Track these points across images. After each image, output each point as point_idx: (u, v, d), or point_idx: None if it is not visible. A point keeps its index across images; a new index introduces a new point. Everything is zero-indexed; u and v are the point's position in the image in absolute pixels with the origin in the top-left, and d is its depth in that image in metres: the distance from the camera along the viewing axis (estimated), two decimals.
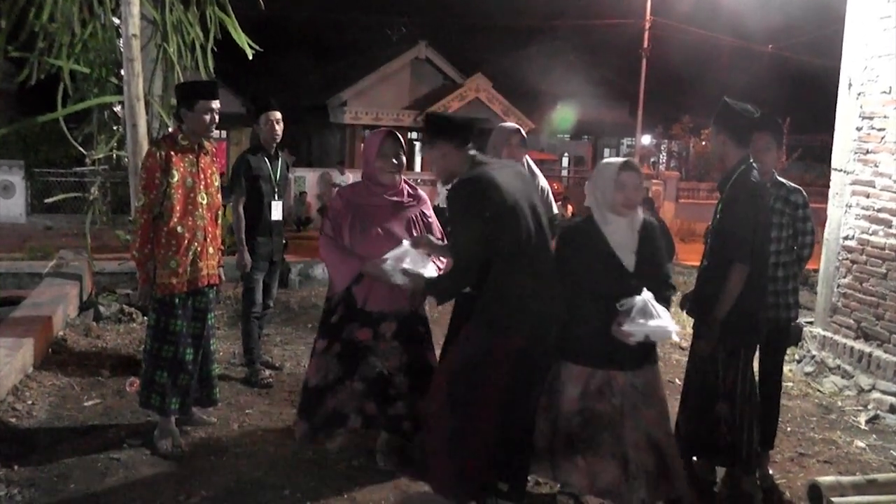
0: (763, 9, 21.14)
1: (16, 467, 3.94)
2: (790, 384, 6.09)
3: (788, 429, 5.12)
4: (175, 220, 4.17)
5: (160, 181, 4.12)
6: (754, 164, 3.91)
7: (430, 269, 3.72)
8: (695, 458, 4.23)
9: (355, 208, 4.05)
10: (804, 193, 4.40)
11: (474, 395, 3.37)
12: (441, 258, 3.92)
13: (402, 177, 4.16)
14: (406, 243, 3.74)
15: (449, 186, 3.56)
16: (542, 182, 4.73)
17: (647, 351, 3.48)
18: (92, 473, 3.95)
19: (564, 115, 26.99)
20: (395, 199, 4.09)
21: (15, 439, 4.28)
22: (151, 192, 4.12)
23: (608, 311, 3.37)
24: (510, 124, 4.87)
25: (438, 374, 3.71)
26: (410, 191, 4.18)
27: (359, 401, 4.00)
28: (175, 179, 4.14)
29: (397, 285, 3.72)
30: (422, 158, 27.43)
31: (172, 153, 4.16)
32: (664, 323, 3.28)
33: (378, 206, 4.05)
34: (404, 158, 4.13)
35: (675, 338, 3.44)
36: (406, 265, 3.65)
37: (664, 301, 3.44)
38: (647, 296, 3.30)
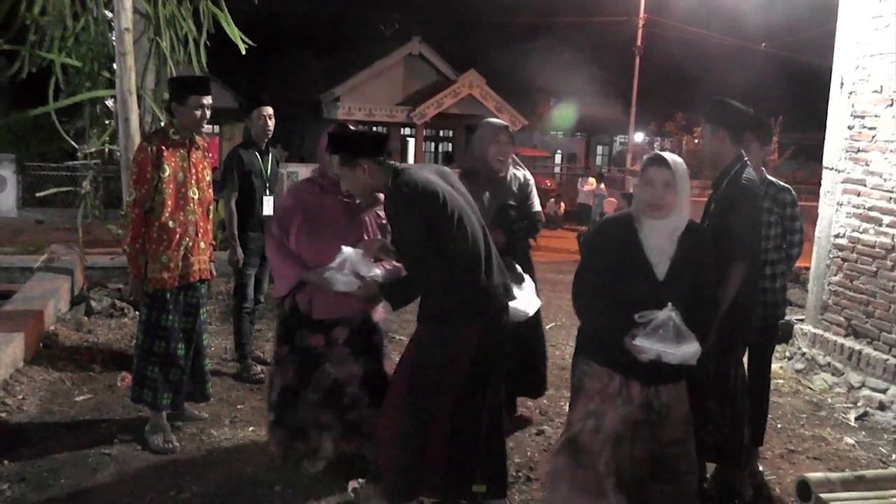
0: (757, 8, 21.14)
1: (5, 462, 3.92)
2: (781, 381, 6.11)
3: (779, 425, 5.14)
4: (166, 214, 4.16)
5: (151, 176, 4.11)
6: (748, 163, 3.91)
7: (376, 274, 3.49)
8: None
9: (306, 208, 3.80)
10: (793, 192, 4.40)
11: (432, 395, 3.34)
12: (393, 263, 3.70)
13: None
14: (347, 250, 3.47)
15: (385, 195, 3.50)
16: (525, 174, 4.73)
17: (671, 367, 3.08)
18: (83, 469, 3.94)
19: (564, 113, 26.99)
20: (348, 199, 3.79)
21: (5, 434, 4.27)
22: (143, 186, 4.10)
23: (629, 318, 3.06)
24: (498, 121, 4.75)
25: (395, 376, 3.59)
26: None
27: (315, 412, 3.83)
28: (166, 174, 4.13)
29: (345, 293, 3.52)
30: (414, 154, 27.42)
31: (164, 148, 4.15)
32: (682, 350, 2.96)
33: (330, 207, 3.81)
34: None
35: (689, 357, 3.00)
36: (346, 273, 3.45)
37: (699, 325, 3.09)
38: (671, 313, 2.97)
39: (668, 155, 3.15)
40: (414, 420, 3.34)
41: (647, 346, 2.97)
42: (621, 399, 3.18)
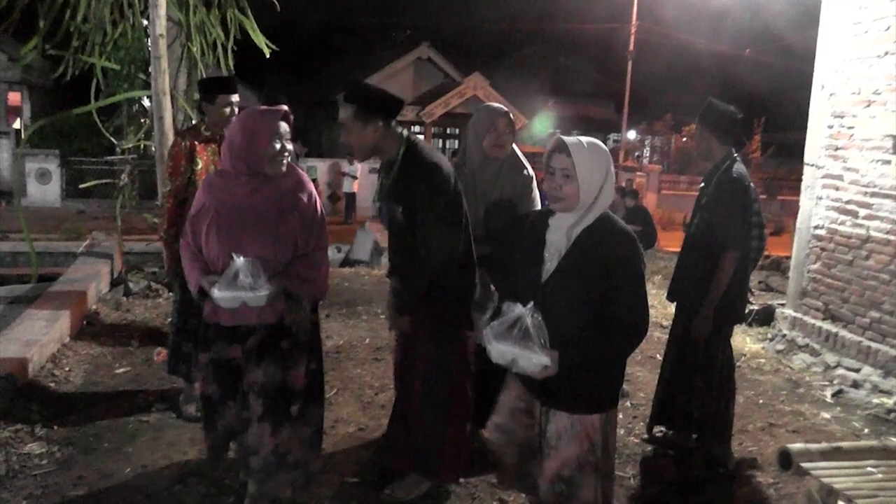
0: (742, 15, 21.04)
1: (55, 427, 3.96)
2: (762, 360, 6.11)
3: (760, 401, 5.14)
4: None
5: (185, 169, 4.12)
6: (737, 158, 3.90)
7: (265, 289, 2.79)
8: (664, 430, 4.29)
9: (219, 204, 2.95)
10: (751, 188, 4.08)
11: (451, 388, 3.25)
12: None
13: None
14: (238, 260, 2.77)
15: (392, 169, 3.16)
16: (528, 171, 3.80)
17: (567, 390, 2.50)
18: (123, 434, 3.97)
19: (542, 120, 26.90)
20: (269, 191, 2.97)
21: (54, 402, 4.30)
22: (177, 178, 4.12)
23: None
24: (497, 105, 3.87)
25: (414, 380, 3.32)
26: (290, 179, 3.05)
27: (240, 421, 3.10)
28: (199, 167, 4.13)
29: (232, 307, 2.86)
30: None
31: (196, 143, 4.16)
32: (529, 358, 2.35)
33: (245, 200, 2.95)
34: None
35: (538, 370, 2.36)
36: (238, 285, 2.78)
37: (586, 346, 2.42)
38: (526, 313, 2.35)
39: (571, 140, 2.47)
40: (440, 413, 3.26)
41: (497, 346, 2.37)
42: (527, 418, 2.69)
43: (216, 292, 2.80)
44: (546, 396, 2.58)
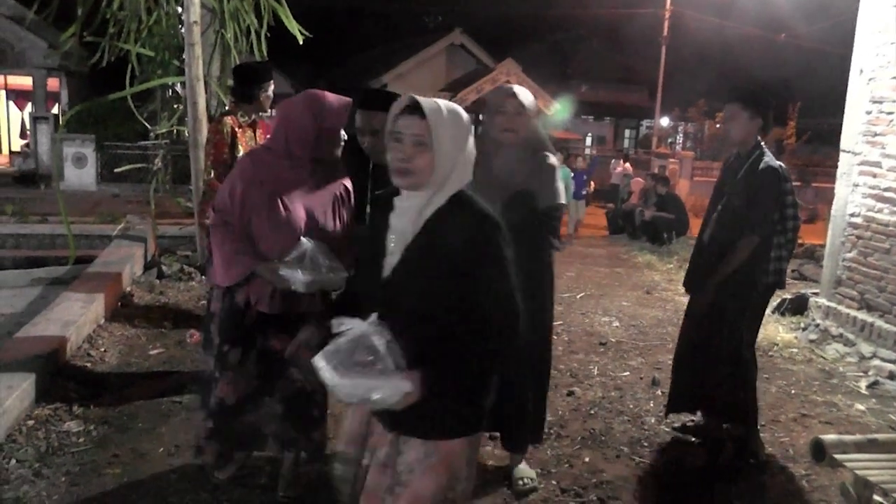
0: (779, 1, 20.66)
1: (91, 407, 4.02)
2: (795, 350, 6.02)
3: (792, 391, 5.07)
4: None
5: (227, 156, 4.16)
6: (763, 143, 3.83)
7: (338, 269, 2.71)
8: (698, 416, 4.24)
9: (278, 182, 2.83)
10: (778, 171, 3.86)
11: None
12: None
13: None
14: (306, 241, 2.71)
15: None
16: (548, 158, 3.30)
17: (424, 415, 1.96)
18: (156, 414, 4.02)
19: (562, 106, 26.48)
20: (323, 175, 2.93)
21: (90, 381, 4.37)
22: (219, 166, 4.16)
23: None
24: (507, 85, 3.42)
25: None
26: (336, 167, 3.01)
27: (279, 424, 3.02)
28: (241, 154, 4.17)
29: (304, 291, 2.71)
30: None
31: (237, 129, 4.22)
32: (380, 384, 1.84)
33: (305, 182, 2.87)
34: None
35: (399, 399, 1.85)
36: (306, 268, 2.67)
37: (448, 367, 1.93)
38: (364, 328, 1.91)
39: (427, 100, 1.96)
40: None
41: (342, 382, 1.86)
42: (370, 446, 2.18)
43: (300, 276, 2.65)
44: (393, 422, 2.05)
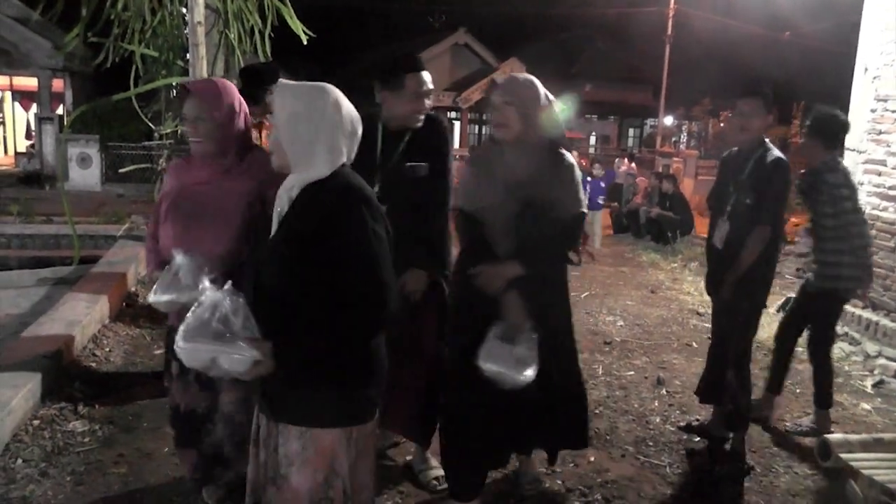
0: None
1: (97, 406, 4.04)
2: (800, 349, 5.97)
3: (797, 390, 5.06)
4: None
5: None
6: (839, 159, 3.92)
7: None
8: (699, 418, 4.29)
9: (182, 188, 2.72)
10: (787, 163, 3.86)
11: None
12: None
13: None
14: (178, 258, 2.48)
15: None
16: (563, 157, 2.95)
17: (297, 398, 1.98)
18: (161, 414, 4.01)
19: (563, 106, 26.40)
20: (237, 178, 2.70)
21: (95, 381, 4.38)
22: None
23: None
24: (499, 77, 3.21)
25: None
26: (263, 170, 2.54)
27: (221, 445, 2.85)
28: None
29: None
30: (459, 136, 27.27)
31: None
32: (226, 349, 1.82)
33: (208, 187, 2.68)
34: None
35: (246, 368, 1.84)
36: (179, 287, 2.47)
37: (289, 347, 1.89)
38: (223, 297, 1.86)
39: (287, 83, 2.03)
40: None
41: (186, 346, 1.84)
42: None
43: (151, 296, 2.54)
44: (269, 405, 2.03)
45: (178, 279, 2.47)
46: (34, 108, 20.11)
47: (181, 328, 1.85)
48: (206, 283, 2.10)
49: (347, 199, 1.94)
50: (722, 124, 27.76)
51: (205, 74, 6.43)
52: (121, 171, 10.93)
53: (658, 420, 4.35)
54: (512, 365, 2.60)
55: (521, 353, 2.64)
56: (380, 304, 1.92)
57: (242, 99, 2.77)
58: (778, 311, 6.92)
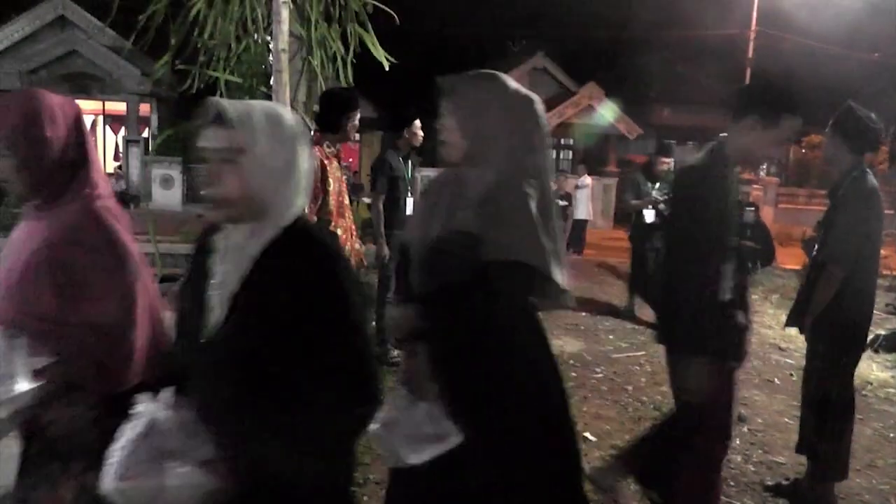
0: (872, 17, 19.95)
1: None
2: (892, 390, 5.74)
3: (891, 435, 4.82)
4: (333, 224, 4.24)
5: (319, 190, 4.15)
6: (867, 170, 3.61)
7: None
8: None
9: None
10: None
11: None
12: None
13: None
14: None
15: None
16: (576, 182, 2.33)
17: None
18: None
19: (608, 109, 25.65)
20: (34, 225, 1.98)
21: None
22: (311, 203, 4.14)
23: None
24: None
25: None
26: (72, 214, 1.93)
27: None
28: (331, 188, 4.18)
29: None
30: None
31: (325, 161, 4.21)
32: (173, 477, 1.42)
33: (16, 233, 2.03)
34: None
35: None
36: None
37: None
38: (152, 409, 1.48)
39: (236, 105, 1.54)
40: None
41: (120, 488, 1.43)
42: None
43: None
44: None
45: None
46: (122, 131, 21.03)
47: (110, 464, 1.42)
48: (26, 373, 1.69)
49: (322, 264, 1.55)
50: (804, 150, 26.94)
51: (287, 100, 6.63)
52: (201, 192, 11.30)
53: (739, 459, 4.22)
54: (402, 440, 1.99)
55: (416, 427, 2.01)
56: (369, 400, 1.56)
57: (69, 114, 1.97)
58: (866, 349, 6.64)
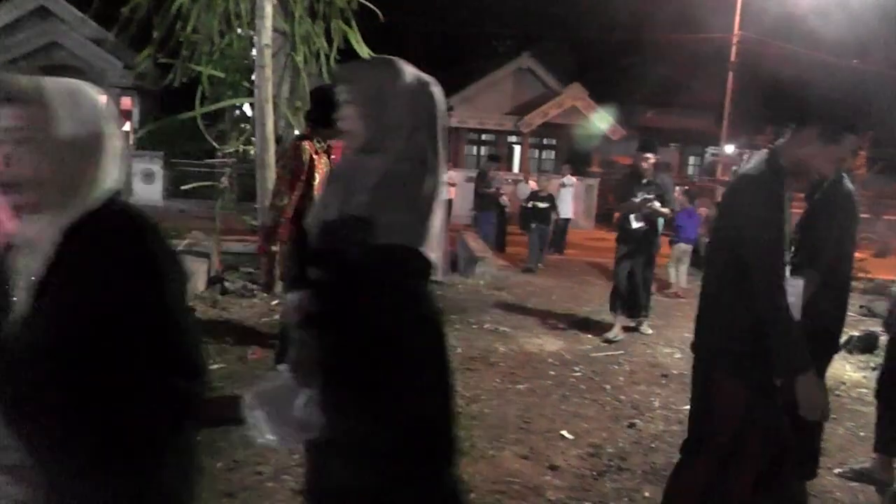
0: (850, 25, 20.20)
1: None
2: (864, 390, 5.82)
3: (862, 434, 4.89)
4: None
5: (304, 183, 4.15)
6: (844, 175, 3.62)
7: None
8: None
9: None
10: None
11: None
12: None
13: None
14: None
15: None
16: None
17: None
18: (216, 429, 4.08)
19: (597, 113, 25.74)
20: None
21: None
22: (293, 192, 4.16)
23: None
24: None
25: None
26: None
27: None
28: (316, 182, 4.18)
29: None
30: (520, 160, 27.27)
31: (314, 155, 4.22)
32: None
33: None
34: None
35: None
36: None
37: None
38: None
39: (29, 80, 1.41)
40: None
41: None
42: None
43: None
44: None
45: None
46: None
47: None
48: None
49: (148, 250, 1.47)
50: None
51: (270, 96, 6.61)
52: (183, 187, 11.24)
53: None
54: (274, 419, 2.00)
55: (290, 411, 2.01)
56: (191, 404, 1.54)
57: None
58: (840, 349, 6.73)
